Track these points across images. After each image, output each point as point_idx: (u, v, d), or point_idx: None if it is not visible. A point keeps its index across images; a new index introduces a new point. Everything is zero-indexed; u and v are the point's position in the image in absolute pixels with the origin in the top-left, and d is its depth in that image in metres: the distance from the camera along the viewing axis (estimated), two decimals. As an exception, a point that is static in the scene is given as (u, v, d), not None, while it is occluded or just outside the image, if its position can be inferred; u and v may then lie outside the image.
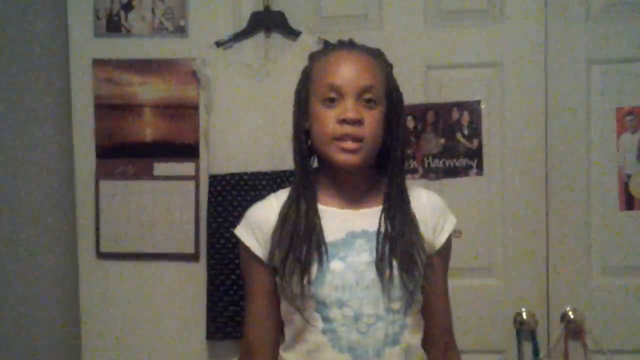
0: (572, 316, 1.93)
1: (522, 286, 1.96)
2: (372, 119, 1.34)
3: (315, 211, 1.36)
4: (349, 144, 1.32)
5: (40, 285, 2.02)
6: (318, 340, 1.33)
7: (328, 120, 1.33)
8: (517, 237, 1.96)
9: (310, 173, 1.39)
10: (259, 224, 1.39)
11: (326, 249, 1.32)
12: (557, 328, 1.94)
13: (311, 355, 1.34)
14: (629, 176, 1.94)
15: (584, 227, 1.95)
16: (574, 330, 1.93)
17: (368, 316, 1.32)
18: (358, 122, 1.32)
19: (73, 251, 2.03)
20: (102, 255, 2.02)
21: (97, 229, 2.01)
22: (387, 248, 1.33)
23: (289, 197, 1.39)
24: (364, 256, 1.33)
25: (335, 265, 1.32)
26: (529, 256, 1.96)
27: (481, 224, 1.98)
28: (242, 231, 1.42)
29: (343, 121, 1.31)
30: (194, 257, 1.99)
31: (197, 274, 1.99)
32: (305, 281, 1.30)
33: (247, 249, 1.40)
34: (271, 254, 1.35)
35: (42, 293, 2.02)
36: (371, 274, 1.32)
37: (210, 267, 1.94)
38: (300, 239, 1.33)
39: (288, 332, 1.40)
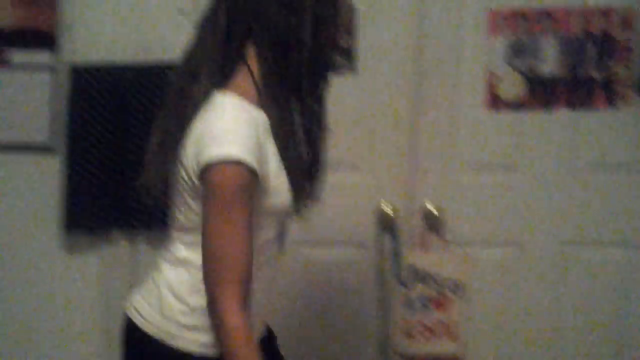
0: (433, 210, 2.01)
1: (387, 181, 2.02)
2: None
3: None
4: None
5: None
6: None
7: None
8: (383, 133, 2.00)
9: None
10: (254, 141, 1.18)
11: None
12: (419, 221, 2.02)
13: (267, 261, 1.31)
14: (497, 77, 1.98)
15: (451, 124, 2.00)
16: (434, 223, 2.01)
17: None
18: None
19: None
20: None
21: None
22: None
23: (280, 108, 1.25)
24: None
25: None
26: (395, 151, 2.01)
27: (349, 119, 1.99)
28: (244, 156, 1.15)
29: None
30: (48, 150, 1.95)
31: (51, 167, 1.96)
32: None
33: (253, 173, 1.16)
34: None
35: None
36: None
37: (72, 161, 1.90)
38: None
39: None
